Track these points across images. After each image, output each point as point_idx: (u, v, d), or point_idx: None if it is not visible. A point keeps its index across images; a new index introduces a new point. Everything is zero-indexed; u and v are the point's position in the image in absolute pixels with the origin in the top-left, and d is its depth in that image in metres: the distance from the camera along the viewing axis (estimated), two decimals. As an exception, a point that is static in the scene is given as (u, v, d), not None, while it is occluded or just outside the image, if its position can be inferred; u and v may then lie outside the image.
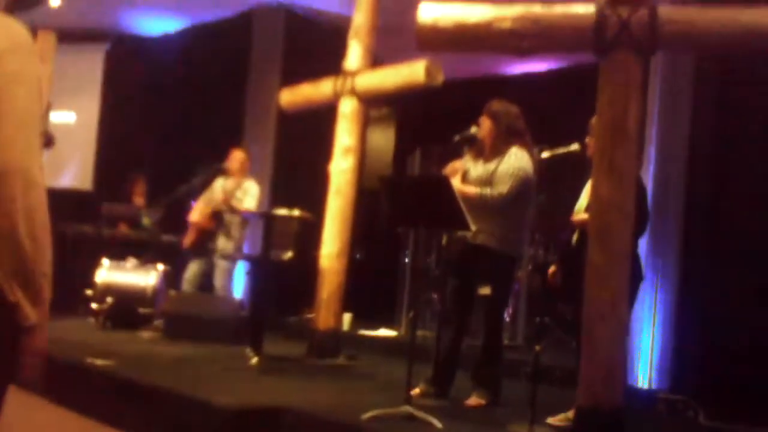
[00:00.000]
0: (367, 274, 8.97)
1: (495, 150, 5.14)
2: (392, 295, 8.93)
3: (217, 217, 7.71)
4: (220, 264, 7.76)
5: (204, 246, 7.75)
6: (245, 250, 8.00)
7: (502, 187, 5.00)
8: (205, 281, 7.85)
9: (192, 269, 7.86)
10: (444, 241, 5.41)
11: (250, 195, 7.76)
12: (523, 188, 5.07)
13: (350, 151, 6.93)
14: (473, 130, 5.20)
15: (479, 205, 4.96)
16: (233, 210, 7.66)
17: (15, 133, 1.72)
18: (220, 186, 7.87)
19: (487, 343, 5.16)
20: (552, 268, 5.07)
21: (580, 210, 4.82)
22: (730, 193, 6.07)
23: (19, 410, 2.70)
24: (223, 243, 7.73)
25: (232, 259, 7.69)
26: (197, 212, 7.83)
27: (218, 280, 7.78)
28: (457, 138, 5.23)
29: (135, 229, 8.79)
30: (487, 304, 5.17)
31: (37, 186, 1.75)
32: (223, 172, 7.84)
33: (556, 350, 6.60)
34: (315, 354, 6.70)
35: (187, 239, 7.85)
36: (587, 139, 4.62)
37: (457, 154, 5.45)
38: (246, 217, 7.74)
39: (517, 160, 5.07)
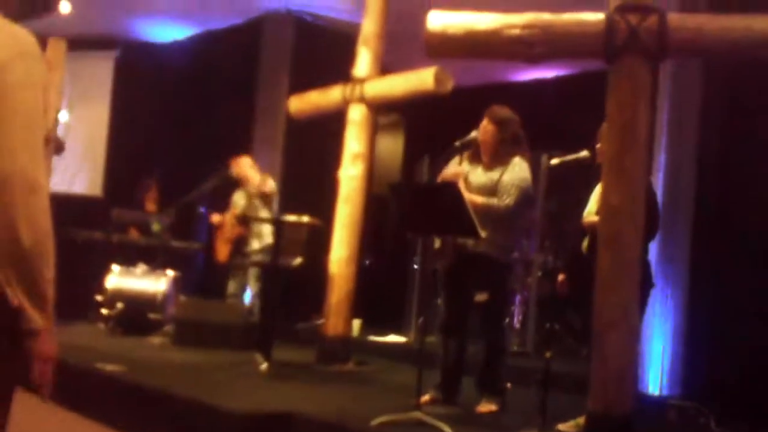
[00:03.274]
0: (376, 281, 8.97)
1: (497, 158, 5.12)
2: (401, 301, 8.93)
3: (242, 221, 7.70)
4: (252, 270, 7.80)
5: (239, 254, 7.77)
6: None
7: (509, 199, 5.01)
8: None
9: (232, 285, 7.91)
10: (437, 246, 5.33)
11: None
12: (525, 200, 5.13)
13: (359, 158, 6.95)
14: (474, 134, 5.18)
15: (484, 214, 4.94)
16: (256, 220, 7.63)
17: (19, 139, 1.73)
18: (239, 198, 7.88)
19: (488, 349, 5.15)
20: (561, 276, 5.07)
21: (590, 214, 4.82)
22: (740, 200, 6.05)
23: (29, 415, 2.71)
24: (255, 245, 7.71)
25: (255, 266, 7.68)
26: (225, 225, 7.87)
27: (251, 285, 7.85)
28: (458, 143, 5.22)
29: (145, 235, 8.81)
30: (485, 311, 5.15)
31: (41, 191, 1.75)
32: (233, 181, 7.82)
33: (566, 357, 6.59)
34: (324, 360, 6.71)
35: (221, 253, 7.87)
36: (597, 146, 4.62)
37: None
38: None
39: (521, 170, 5.08)
